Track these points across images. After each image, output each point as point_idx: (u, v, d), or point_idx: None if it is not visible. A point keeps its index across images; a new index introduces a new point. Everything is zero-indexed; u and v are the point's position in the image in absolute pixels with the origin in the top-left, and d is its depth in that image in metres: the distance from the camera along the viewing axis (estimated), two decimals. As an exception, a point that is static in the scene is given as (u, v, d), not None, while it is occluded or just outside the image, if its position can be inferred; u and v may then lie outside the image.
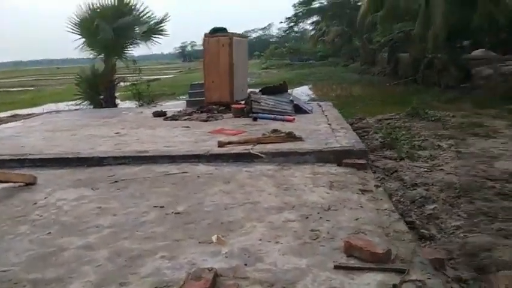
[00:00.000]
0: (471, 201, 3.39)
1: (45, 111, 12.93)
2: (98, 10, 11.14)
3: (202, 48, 8.30)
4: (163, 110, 7.91)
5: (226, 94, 7.99)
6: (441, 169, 4.39)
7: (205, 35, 8.16)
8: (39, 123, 7.64)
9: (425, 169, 4.36)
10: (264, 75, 29.46)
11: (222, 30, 8.24)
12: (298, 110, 7.32)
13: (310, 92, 17.98)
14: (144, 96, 11.15)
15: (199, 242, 2.60)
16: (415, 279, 2.05)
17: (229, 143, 4.81)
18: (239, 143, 4.82)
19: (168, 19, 11.80)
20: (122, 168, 4.41)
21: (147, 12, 11.47)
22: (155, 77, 12.46)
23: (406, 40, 29.03)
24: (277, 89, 7.82)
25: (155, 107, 9.85)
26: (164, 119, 7.28)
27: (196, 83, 10.42)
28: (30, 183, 3.98)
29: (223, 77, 7.95)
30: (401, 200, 3.50)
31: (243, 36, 8.94)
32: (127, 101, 13.01)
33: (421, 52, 24.52)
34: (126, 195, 3.57)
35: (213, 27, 8.23)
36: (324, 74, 35.13)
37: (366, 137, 5.80)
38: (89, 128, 6.76)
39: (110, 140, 5.61)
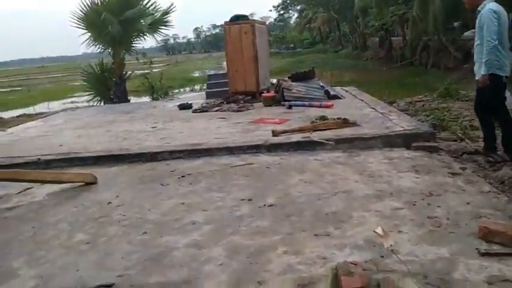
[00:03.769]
0: None
1: (45, 110, 12.65)
2: (104, 3, 10.82)
3: (221, 37, 8.06)
4: (189, 103, 7.69)
5: (252, 83, 7.78)
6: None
7: (226, 23, 7.93)
8: (61, 121, 7.38)
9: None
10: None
11: (243, 17, 8.01)
12: (329, 95, 7.17)
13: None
14: (157, 89, 10.86)
15: (315, 235, 2.46)
16: None
17: (285, 131, 4.64)
18: (294, 131, 4.66)
19: (173, 10, 11.51)
20: (180, 162, 4.23)
21: (153, 3, 11.18)
22: (144, 71, 12.36)
23: (399, 23, 29.04)
24: (305, 76, 7.65)
25: (172, 100, 9.62)
26: (193, 112, 7.07)
27: (213, 73, 10.19)
28: (91, 183, 3.79)
29: (247, 65, 7.73)
30: (490, 181, 3.38)
31: (262, 23, 8.70)
32: (138, 96, 12.74)
33: (417, 35, 24.51)
34: (202, 189, 3.40)
35: (234, 14, 7.99)
36: (316, 61, 35.08)
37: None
38: (119, 123, 6.53)
39: (151, 134, 5.41)
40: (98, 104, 10.91)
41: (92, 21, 10.72)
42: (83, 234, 2.74)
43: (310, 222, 2.64)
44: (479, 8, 3.82)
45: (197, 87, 20.36)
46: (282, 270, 2.11)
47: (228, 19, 7.91)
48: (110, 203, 3.26)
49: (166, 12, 11.53)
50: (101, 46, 10.96)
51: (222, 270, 2.16)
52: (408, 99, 8.07)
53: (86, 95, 11.71)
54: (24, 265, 2.39)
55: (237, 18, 7.92)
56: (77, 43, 10.95)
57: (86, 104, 12.25)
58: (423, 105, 7.09)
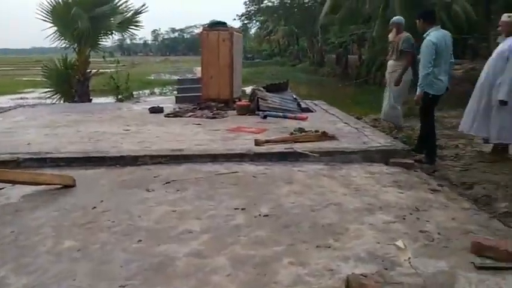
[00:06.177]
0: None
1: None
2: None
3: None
4: (160, 106, 7.54)
5: (226, 91, 7.78)
6: (474, 168, 4.59)
7: (204, 29, 7.91)
8: (22, 117, 6.97)
9: (461, 168, 4.52)
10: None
11: (222, 24, 8.00)
12: (301, 108, 7.31)
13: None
14: (122, 91, 10.57)
15: (317, 247, 2.49)
16: None
17: (267, 141, 4.67)
18: (277, 141, 4.71)
19: (145, 10, 11.28)
20: (161, 167, 4.13)
21: (125, 2, 10.92)
22: (107, 70, 11.84)
23: (357, 42, 30.11)
24: (279, 87, 7.75)
25: (139, 102, 9.40)
26: (165, 116, 6.94)
27: (184, 78, 10.08)
28: (69, 186, 3.61)
29: (223, 73, 7.73)
30: (466, 199, 3.59)
31: (239, 31, 8.74)
32: (98, 96, 12.30)
33: (374, 54, 25.51)
34: (191, 197, 3.34)
35: (211, 20, 7.97)
36: (274, 73, 35.51)
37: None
38: (87, 123, 6.28)
39: (125, 137, 5.24)
40: (58, 102, 10.42)
41: (60, 15, 10.27)
42: (71, 241, 2.60)
43: (309, 233, 2.67)
44: (424, 35, 4.61)
45: (157, 90, 19.88)
46: (292, 282, 2.12)
47: (202, 23, 7.94)
48: (95, 207, 3.12)
49: (137, 12, 11.29)
50: (66, 41, 10.51)
51: (231, 281, 2.13)
52: (373, 115, 8.39)
53: (42, 92, 11.14)
54: (11, 273, 2.23)
55: (214, 25, 7.91)
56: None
57: (38, 100, 11.70)
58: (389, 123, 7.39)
